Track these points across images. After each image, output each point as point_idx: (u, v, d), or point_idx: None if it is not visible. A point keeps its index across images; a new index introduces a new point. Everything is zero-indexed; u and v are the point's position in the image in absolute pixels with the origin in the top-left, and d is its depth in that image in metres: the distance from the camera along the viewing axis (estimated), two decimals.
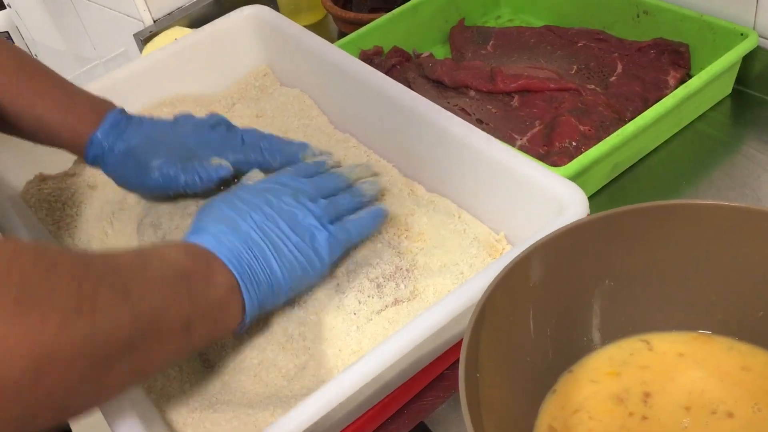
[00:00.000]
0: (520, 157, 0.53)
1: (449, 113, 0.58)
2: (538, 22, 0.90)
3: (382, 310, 0.52)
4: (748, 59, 0.71)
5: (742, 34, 0.69)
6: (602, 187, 0.67)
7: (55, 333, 0.33)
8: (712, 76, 0.67)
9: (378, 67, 0.82)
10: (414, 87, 0.80)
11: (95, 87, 0.70)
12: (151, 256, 0.44)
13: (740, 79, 0.73)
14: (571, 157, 0.62)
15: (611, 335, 0.46)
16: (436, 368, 0.51)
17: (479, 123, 0.74)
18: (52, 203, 0.69)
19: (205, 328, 0.44)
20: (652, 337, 0.46)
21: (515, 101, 0.75)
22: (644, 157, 0.69)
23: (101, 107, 0.62)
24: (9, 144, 0.67)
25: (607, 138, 0.63)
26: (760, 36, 0.70)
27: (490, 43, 0.87)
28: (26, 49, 1.45)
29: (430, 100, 0.61)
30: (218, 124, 0.64)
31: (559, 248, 0.43)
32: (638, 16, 0.79)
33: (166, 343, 0.41)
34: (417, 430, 0.48)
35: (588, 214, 0.49)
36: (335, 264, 0.54)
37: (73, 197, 0.70)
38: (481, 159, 0.55)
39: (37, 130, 0.60)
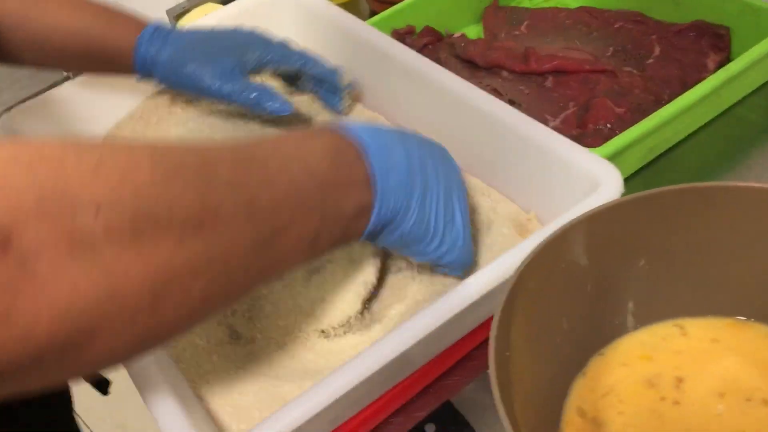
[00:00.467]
0: (553, 135, 0.52)
1: (481, 91, 0.58)
2: (573, 3, 0.88)
3: (408, 286, 0.51)
4: None
5: None
6: (636, 171, 0.65)
7: (170, 252, 0.30)
8: (753, 59, 0.65)
9: (410, 46, 0.81)
10: (446, 67, 0.78)
11: None
12: (290, 159, 0.39)
13: None
14: (606, 140, 0.61)
15: (644, 319, 0.45)
16: (464, 347, 0.50)
17: (511, 104, 0.72)
18: None
19: (330, 240, 0.41)
20: (687, 322, 0.45)
21: (549, 82, 0.74)
22: (681, 141, 0.67)
23: (139, 19, 0.63)
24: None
25: (643, 120, 0.61)
26: None
27: (524, 24, 0.85)
28: None
29: None
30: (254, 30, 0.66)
31: (594, 228, 0.42)
32: None
33: (289, 256, 0.39)
34: (443, 409, 0.48)
35: (622, 195, 0.48)
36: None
37: None
38: (512, 136, 0.54)
39: (78, 45, 0.60)
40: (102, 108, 0.73)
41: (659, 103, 0.68)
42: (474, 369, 0.51)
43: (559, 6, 0.89)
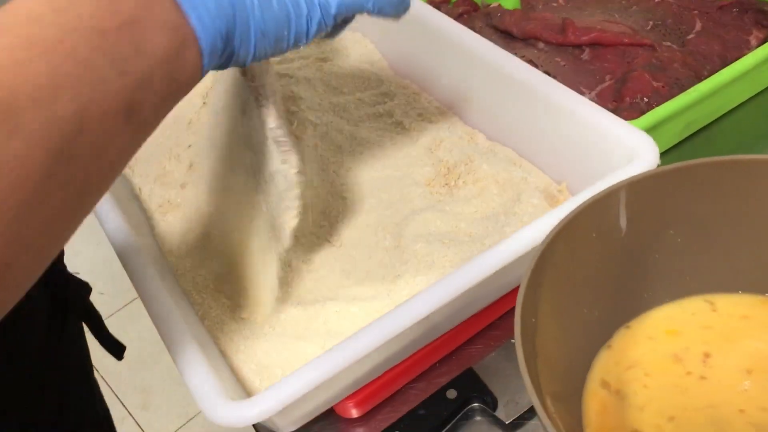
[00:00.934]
0: (589, 105, 0.51)
1: (515, 59, 0.57)
2: None
3: (437, 251, 0.51)
4: None
5: None
6: (673, 147, 0.64)
7: None
8: None
9: (445, 14, 0.80)
10: None
11: None
12: (34, 20, 0.29)
13: None
14: (642, 113, 0.60)
15: (674, 293, 0.45)
16: (489, 316, 0.50)
17: (547, 75, 0.71)
18: None
19: (156, 96, 0.32)
20: (717, 298, 0.45)
21: (586, 54, 0.72)
22: (719, 117, 0.66)
23: None
24: None
25: (681, 94, 0.60)
26: None
27: None
28: None
29: None
30: None
31: (629, 198, 0.41)
32: None
33: (107, 145, 0.30)
34: (464, 375, 0.48)
35: (658, 166, 0.47)
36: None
37: None
38: (546, 105, 0.54)
39: None
40: None
41: (699, 79, 0.66)
42: (497, 338, 0.51)
43: None
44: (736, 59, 0.65)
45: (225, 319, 0.50)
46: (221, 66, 0.37)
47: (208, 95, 0.65)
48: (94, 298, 0.67)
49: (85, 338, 0.68)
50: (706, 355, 0.42)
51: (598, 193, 0.40)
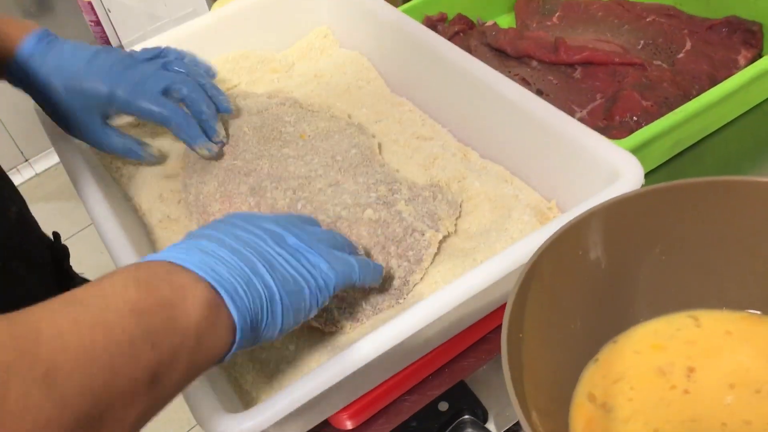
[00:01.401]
0: (576, 125, 0.53)
1: (507, 79, 0.58)
2: None
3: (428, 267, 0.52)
4: None
5: None
6: (661, 165, 0.66)
7: None
8: None
9: (441, 33, 0.82)
10: (476, 55, 0.79)
11: (161, 40, 0.72)
12: (79, 302, 0.32)
13: None
14: (631, 132, 0.61)
15: (659, 309, 0.46)
16: (480, 330, 0.52)
17: (539, 93, 0.73)
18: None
19: (181, 366, 0.35)
20: (701, 314, 0.46)
21: (577, 73, 0.74)
22: (707, 135, 0.67)
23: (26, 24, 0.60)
24: None
25: (669, 114, 0.61)
26: None
27: (556, 15, 0.85)
28: (100, 5, 1.49)
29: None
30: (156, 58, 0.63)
31: (612, 217, 0.43)
32: None
33: (128, 408, 0.32)
34: (456, 388, 0.49)
35: (642, 185, 0.48)
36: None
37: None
38: (536, 125, 0.55)
39: None
40: None
41: (687, 97, 0.68)
42: (488, 351, 0.52)
43: None
44: (725, 78, 0.67)
45: None
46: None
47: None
48: None
49: None
50: (690, 370, 0.43)
51: (578, 216, 0.42)
